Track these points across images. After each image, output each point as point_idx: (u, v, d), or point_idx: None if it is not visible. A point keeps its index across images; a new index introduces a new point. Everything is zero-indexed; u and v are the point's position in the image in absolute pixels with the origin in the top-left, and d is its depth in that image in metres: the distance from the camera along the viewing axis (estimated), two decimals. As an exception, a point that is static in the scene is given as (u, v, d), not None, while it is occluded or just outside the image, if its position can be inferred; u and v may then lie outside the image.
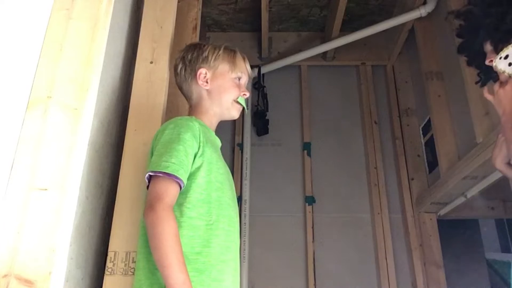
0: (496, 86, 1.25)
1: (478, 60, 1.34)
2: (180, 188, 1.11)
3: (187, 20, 1.80)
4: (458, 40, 1.41)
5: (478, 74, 1.42)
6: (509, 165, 1.35)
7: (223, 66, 1.35)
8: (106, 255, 1.23)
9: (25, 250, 0.89)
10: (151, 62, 1.49)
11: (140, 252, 1.13)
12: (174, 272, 0.99)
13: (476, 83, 1.45)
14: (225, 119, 1.39)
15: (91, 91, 1.06)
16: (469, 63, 1.42)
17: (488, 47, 1.29)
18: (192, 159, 1.15)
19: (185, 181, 1.11)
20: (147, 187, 1.12)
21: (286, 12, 3.01)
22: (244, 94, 1.36)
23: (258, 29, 3.02)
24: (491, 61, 1.26)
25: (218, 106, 1.34)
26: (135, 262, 1.20)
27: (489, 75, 1.36)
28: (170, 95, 1.55)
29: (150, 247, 1.04)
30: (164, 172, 1.08)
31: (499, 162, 1.34)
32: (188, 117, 1.28)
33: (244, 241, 2.59)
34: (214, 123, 1.36)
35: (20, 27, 1.06)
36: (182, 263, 1.01)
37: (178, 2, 1.68)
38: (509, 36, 1.22)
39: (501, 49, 1.21)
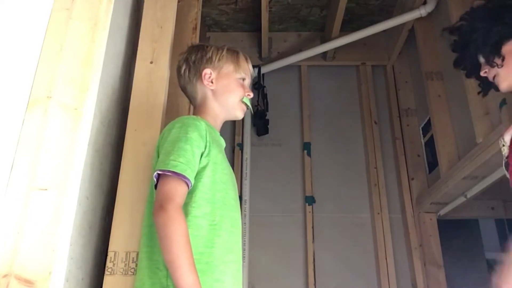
0: None
1: (475, 72, 1.41)
2: (188, 188, 1.11)
3: (187, 20, 1.80)
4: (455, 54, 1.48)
5: (479, 85, 1.48)
6: None
7: (228, 67, 1.36)
8: (106, 255, 1.23)
9: (25, 250, 0.89)
10: (151, 62, 1.49)
11: (143, 251, 1.14)
12: (185, 273, 0.99)
13: (479, 93, 1.52)
14: (229, 119, 1.40)
15: (91, 91, 1.06)
16: (468, 76, 1.48)
17: (481, 59, 1.36)
18: (199, 159, 1.15)
19: (192, 181, 1.12)
20: (155, 186, 1.12)
21: (286, 12, 3.01)
22: (248, 95, 1.37)
23: (258, 29, 3.02)
24: (486, 72, 1.34)
25: (223, 106, 1.35)
26: (135, 262, 1.20)
27: (489, 85, 1.42)
28: (170, 95, 1.55)
29: (160, 247, 1.04)
30: (173, 172, 1.08)
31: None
32: (194, 116, 1.29)
33: (244, 241, 2.59)
34: (219, 123, 1.36)
35: (20, 27, 1.06)
36: (192, 264, 1.01)
37: (178, 2, 1.68)
38: (497, 48, 1.30)
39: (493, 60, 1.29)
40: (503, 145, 1.34)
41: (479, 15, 1.37)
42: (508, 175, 1.32)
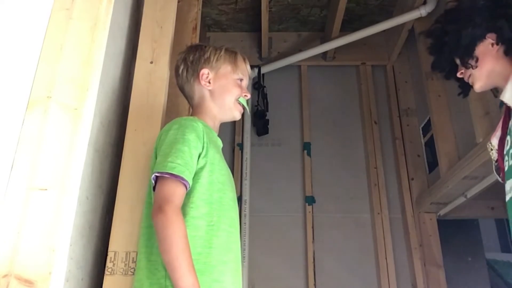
0: None
1: (453, 74, 1.42)
2: (186, 189, 1.11)
3: (187, 20, 1.80)
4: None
5: (458, 86, 1.49)
6: None
7: (225, 67, 1.36)
8: (106, 255, 1.23)
9: (25, 250, 0.89)
10: (151, 62, 1.49)
11: (141, 252, 1.14)
12: (184, 274, 1.00)
13: (459, 94, 1.52)
14: (226, 120, 1.40)
15: (91, 91, 1.06)
16: (446, 78, 1.48)
17: (457, 60, 1.37)
18: (197, 160, 1.16)
19: (190, 182, 1.12)
20: (154, 188, 1.13)
21: (286, 12, 3.01)
22: (245, 95, 1.37)
23: (258, 29, 3.02)
24: (462, 73, 1.36)
25: (220, 106, 1.35)
26: (135, 262, 1.20)
27: (469, 86, 1.42)
28: (170, 95, 1.55)
29: (159, 249, 1.05)
30: (171, 173, 1.09)
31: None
32: (191, 117, 1.29)
33: (244, 241, 2.59)
34: (216, 124, 1.36)
35: (20, 27, 1.06)
36: (191, 265, 1.02)
37: (178, 2, 1.68)
38: (470, 49, 1.31)
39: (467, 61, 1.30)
40: (491, 149, 1.34)
41: (451, 17, 1.37)
42: (499, 179, 1.32)
